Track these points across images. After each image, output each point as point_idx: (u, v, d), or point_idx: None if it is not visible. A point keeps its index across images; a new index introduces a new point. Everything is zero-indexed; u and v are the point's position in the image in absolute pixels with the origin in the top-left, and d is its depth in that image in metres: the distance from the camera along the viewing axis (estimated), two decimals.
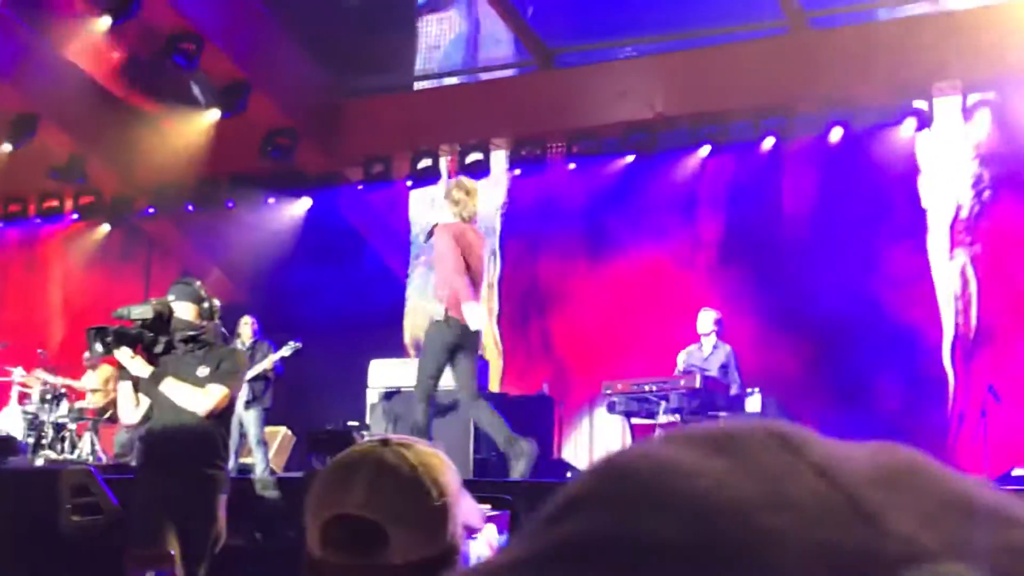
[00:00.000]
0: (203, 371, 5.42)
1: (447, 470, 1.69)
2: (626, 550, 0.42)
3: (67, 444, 12.93)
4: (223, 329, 5.90)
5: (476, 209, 7.95)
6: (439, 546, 1.62)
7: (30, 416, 13.01)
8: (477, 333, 7.83)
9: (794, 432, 0.46)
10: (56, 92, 13.46)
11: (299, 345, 11.01)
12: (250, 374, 10.04)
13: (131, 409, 5.57)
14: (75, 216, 15.45)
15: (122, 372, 5.49)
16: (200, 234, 14.76)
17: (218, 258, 14.57)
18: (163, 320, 5.47)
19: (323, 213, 13.98)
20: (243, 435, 11.13)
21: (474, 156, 12.79)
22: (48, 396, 13.02)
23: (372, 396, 11.64)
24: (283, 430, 12.32)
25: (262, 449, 11.09)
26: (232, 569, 5.66)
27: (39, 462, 12.02)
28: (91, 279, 15.73)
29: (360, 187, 13.46)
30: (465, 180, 8.23)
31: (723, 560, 0.41)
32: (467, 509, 1.69)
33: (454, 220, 7.79)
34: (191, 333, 5.50)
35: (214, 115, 12.97)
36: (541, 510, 0.46)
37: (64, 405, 13.07)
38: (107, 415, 13.36)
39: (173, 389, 5.36)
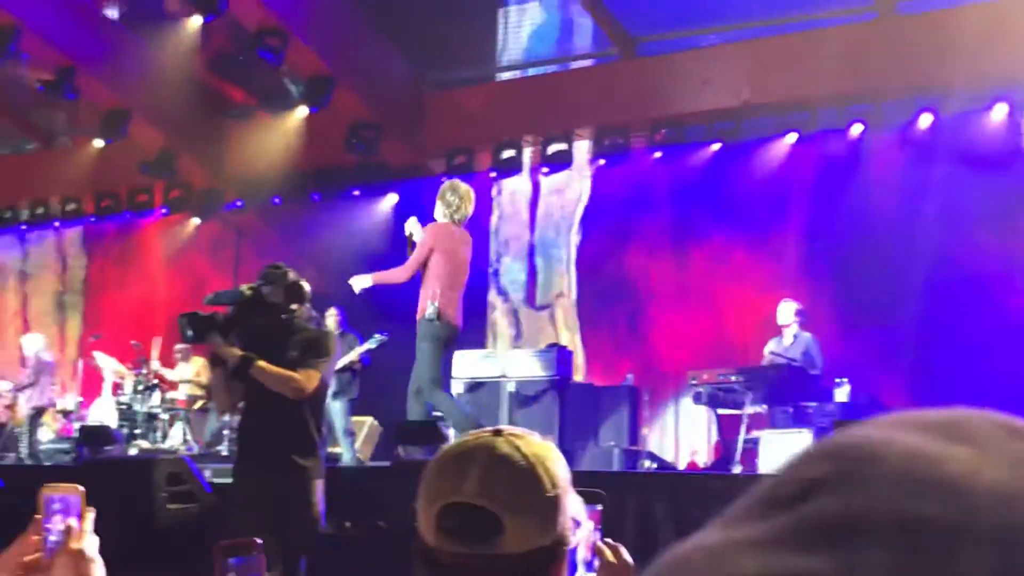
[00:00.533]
0: (294, 355, 5.36)
1: (558, 461, 1.70)
2: (891, 528, 0.44)
3: (159, 434, 13.18)
4: (314, 312, 5.81)
5: (468, 212, 8.25)
6: (551, 537, 1.62)
7: (123, 406, 13.28)
8: (458, 331, 8.35)
9: (1015, 421, 0.47)
10: (147, 88, 13.70)
11: (385, 338, 11.09)
12: (336, 366, 10.13)
13: (225, 396, 5.57)
14: (164, 210, 15.71)
15: (214, 359, 5.46)
16: (287, 227, 14.92)
17: (304, 251, 14.67)
18: (254, 305, 5.42)
19: (407, 205, 14.05)
20: (329, 425, 11.25)
21: (557, 146, 12.79)
22: (140, 387, 13.27)
23: (456, 386, 11.71)
24: (369, 420, 12.42)
25: (348, 439, 11.22)
26: (323, 557, 5.72)
27: (132, 452, 12.27)
28: (180, 272, 16.00)
29: (444, 179, 13.49)
30: (460, 184, 8.49)
31: (992, 541, 0.43)
32: (572, 501, 1.70)
33: (444, 220, 8.14)
34: (282, 317, 5.45)
35: (301, 110, 13.09)
36: (752, 494, 0.47)
37: (156, 395, 13.32)
38: (198, 405, 13.60)
39: (264, 375, 5.29)
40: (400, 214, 14.05)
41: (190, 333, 5.36)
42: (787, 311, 10.11)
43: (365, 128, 13.15)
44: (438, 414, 8.45)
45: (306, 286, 5.63)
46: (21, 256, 17.55)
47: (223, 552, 2.25)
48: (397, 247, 13.55)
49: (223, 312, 5.43)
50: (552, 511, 1.63)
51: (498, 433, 1.67)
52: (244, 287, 5.53)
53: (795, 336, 10.08)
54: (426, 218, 13.58)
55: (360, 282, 8.59)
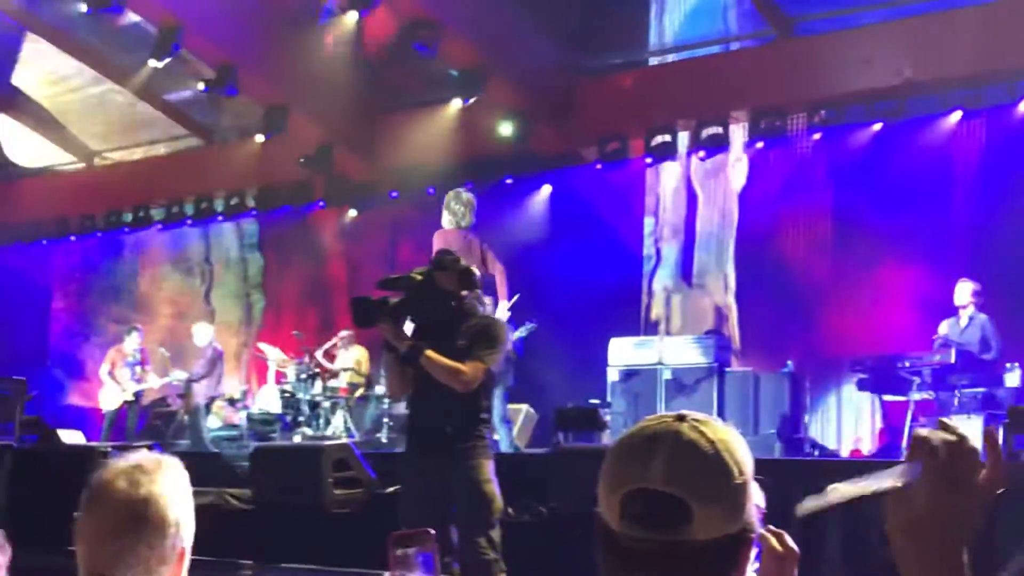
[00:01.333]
0: (462, 344, 5.33)
1: (743, 447, 1.66)
2: None
3: (321, 421, 13.47)
4: (486, 298, 5.74)
5: (472, 219, 9.18)
6: (738, 524, 1.59)
7: (287, 395, 13.61)
8: None
9: None
10: (305, 83, 13.99)
11: (535, 326, 11.10)
12: None
13: (396, 380, 5.52)
14: (322, 203, 16.03)
15: (386, 344, 5.41)
16: (438, 215, 15.05)
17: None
18: (425, 290, 5.38)
19: (560, 193, 14.08)
20: None
21: (712, 130, 12.63)
22: (303, 375, 13.58)
23: (612, 374, 11.69)
24: (525, 408, 12.48)
25: (506, 427, 11.27)
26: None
27: (296, 439, 12.58)
28: (338, 263, 16.33)
29: (598, 166, 13.48)
30: (463, 192, 9.51)
31: None
32: (755, 489, 1.67)
33: (451, 227, 9.15)
34: (452, 304, 5.41)
35: (455, 101, 13.19)
36: None
37: (318, 384, 13.62)
38: (358, 393, 13.86)
39: (432, 365, 5.27)
40: (554, 202, 14.09)
41: (362, 318, 5.35)
42: (964, 291, 9.79)
43: (517, 117, 13.20)
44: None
45: (477, 272, 5.56)
46: (187, 250, 18.13)
47: (397, 542, 2.28)
48: (550, 236, 13.65)
49: (395, 297, 5.40)
50: (740, 498, 1.60)
51: (681, 418, 1.64)
52: (415, 272, 5.46)
53: (971, 318, 9.76)
54: (578, 205, 13.65)
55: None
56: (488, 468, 5.34)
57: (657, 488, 1.54)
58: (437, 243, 8.86)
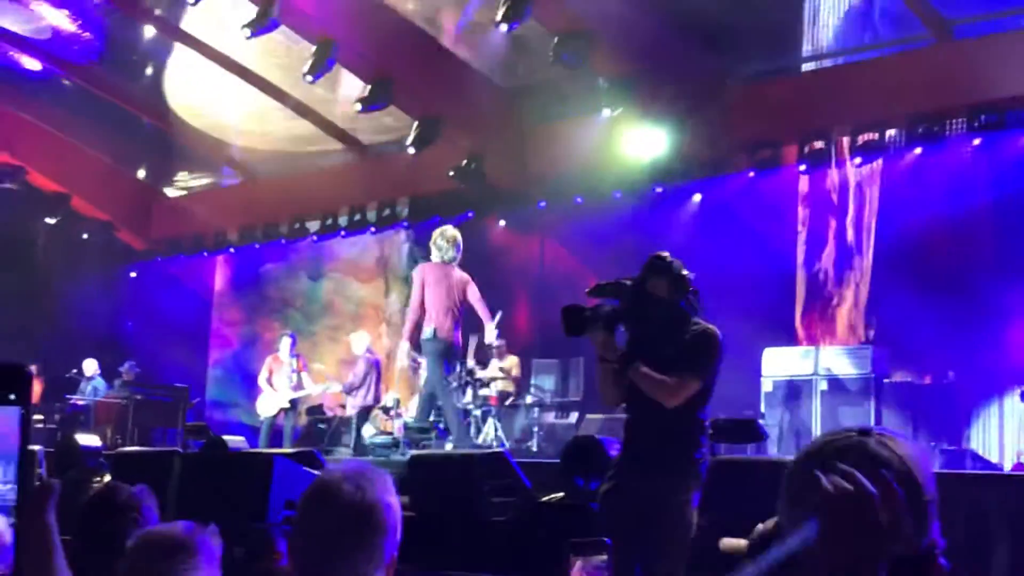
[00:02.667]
0: (674, 355, 5.08)
1: (929, 463, 1.65)
2: None
3: (472, 429, 13.59)
4: (701, 306, 5.42)
5: (456, 254, 10.31)
6: (927, 540, 1.58)
7: (438, 404, 13.76)
8: (454, 348, 10.42)
9: None
10: (456, 95, 14.17)
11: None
12: None
13: (609, 390, 5.29)
14: (471, 213, 16.19)
15: (599, 355, 5.22)
16: (589, 226, 15.08)
17: (607, 250, 14.81)
18: (638, 298, 5.17)
19: (710, 201, 13.97)
20: None
21: (868, 136, 12.38)
22: (454, 384, 13.72)
23: (766, 385, 11.55)
24: None
25: None
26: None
27: (448, 447, 12.72)
28: (487, 273, 16.46)
29: (751, 174, 13.33)
30: (448, 229, 10.56)
31: None
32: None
33: (436, 261, 10.21)
34: (667, 312, 5.18)
35: (605, 111, 13.21)
36: None
37: (469, 392, 13.75)
38: (508, 401, 13.96)
39: (640, 377, 5.08)
40: (705, 211, 13.97)
41: (572, 327, 5.18)
42: None
43: (666, 124, 13.14)
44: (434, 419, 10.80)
45: (689, 277, 5.30)
46: (342, 261, 18.51)
47: (575, 549, 2.30)
48: (701, 246, 13.53)
49: (608, 305, 5.21)
50: (928, 514, 1.59)
51: (866, 433, 1.63)
52: (626, 279, 5.26)
53: None
54: (729, 214, 13.50)
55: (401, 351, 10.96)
56: (692, 497, 5.06)
57: None
58: (421, 275, 10.22)
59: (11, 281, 18.63)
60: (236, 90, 16.19)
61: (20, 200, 18.86)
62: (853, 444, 1.61)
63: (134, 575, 2.81)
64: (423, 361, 10.85)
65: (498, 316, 11.19)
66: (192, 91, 16.98)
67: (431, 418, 11.22)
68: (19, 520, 0.86)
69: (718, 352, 5.23)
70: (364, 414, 13.91)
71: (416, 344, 10.49)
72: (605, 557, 2.25)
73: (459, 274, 10.35)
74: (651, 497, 5.03)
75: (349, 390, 14.08)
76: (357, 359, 14.39)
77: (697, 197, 14.06)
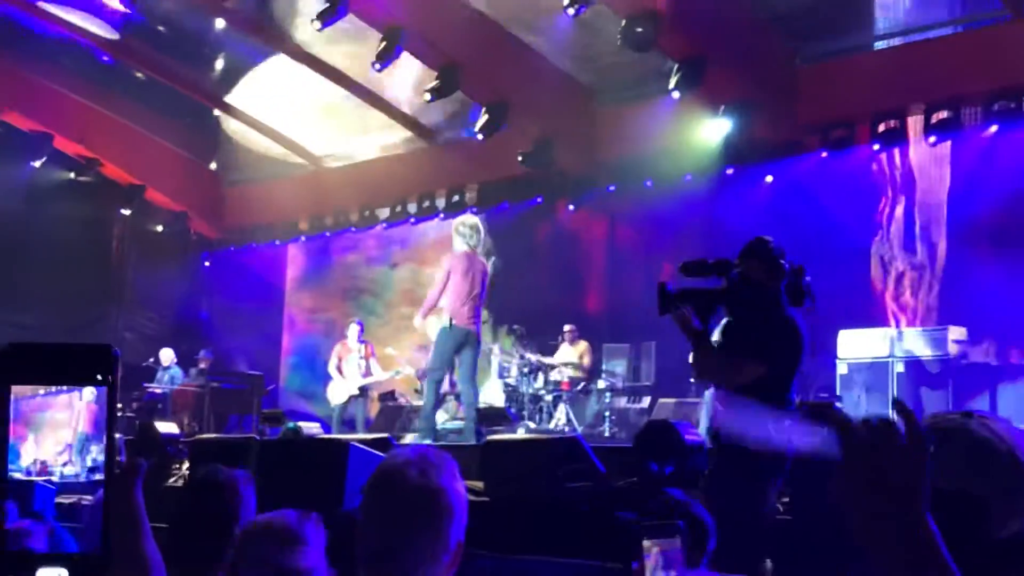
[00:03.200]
0: (751, 337, 5.14)
1: None
2: None
3: (543, 414, 13.62)
4: (803, 289, 5.37)
5: (479, 240, 10.37)
6: None
7: (510, 388, 13.81)
8: (474, 334, 10.28)
9: None
10: (523, 81, 14.15)
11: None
12: None
13: (699, 366, 5.37)
14: (539, 199, 16.18)
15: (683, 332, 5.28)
16: (658, 210, 15.01)
17: (675, 232, 14.76)
18: (732, 279, 5.20)
19: (782, 182, 13.82)
20: None
21: (942, 114, 12.17)
22: (525, 369, 13.76)
23: (841, 367, 11.42)
24: None
25: None
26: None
27: (520, 431, 12.75)
28: (557, 258, 16.45)
29: (823, 154, 13.17)
30: (469, 217, 10.69)
31: None
32: None
33: (463, 249, 10.23)
34: (757, 295, 5.21)
35: (673, 93, 13.10)
36: None
37: (540, 378, 13.77)
38: (580, 387, 13.95)
39: (702, 357, 5.17)
40: (776, 193, 13.82)
41: (661, 304, 5.23)
42: None
43: (740, 106, 13.02)
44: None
45: (783, 263, 5.29)
46: (415, 247, 18.59)
47: (648, 532, 2.28)
48: (773, 228, 13.39)
49: (703, 285, 5.24)
50: None
51: (968, 416, 1.60)
52: (720, 259, 5.29)
53: None
54: (801, 195, 13.34)
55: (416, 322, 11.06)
56: (740, 485, 5.11)
57: (955, 488, 1.50)
58: (449, 264, 10.26)
59: (88, 272, 18.97)
60: (305, 79, 16.31)
61: (95, 192, 19.18)
62: (956, 426, 1.58)
63: (244, 562, 2.84)
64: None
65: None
66: (262, 82, 17.13)
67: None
68: (106, 498, 0.86)
69: (790, 341, 5.24)
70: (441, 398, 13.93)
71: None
72: (678, 540, 2.23)
73: (481, 261, 10.49)
74: (711, 477, 5.23)
75: (423, 376, 14.14)
76: (431, 344, 14.43)
77: (769, 178, 13.91)
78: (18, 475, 0.88)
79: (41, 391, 0.87)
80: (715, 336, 5.39)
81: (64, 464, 0.89)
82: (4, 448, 0.82)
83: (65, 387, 0.87)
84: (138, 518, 0.88)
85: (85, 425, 0.86)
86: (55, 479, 0.90)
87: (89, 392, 0.88)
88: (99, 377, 0.86)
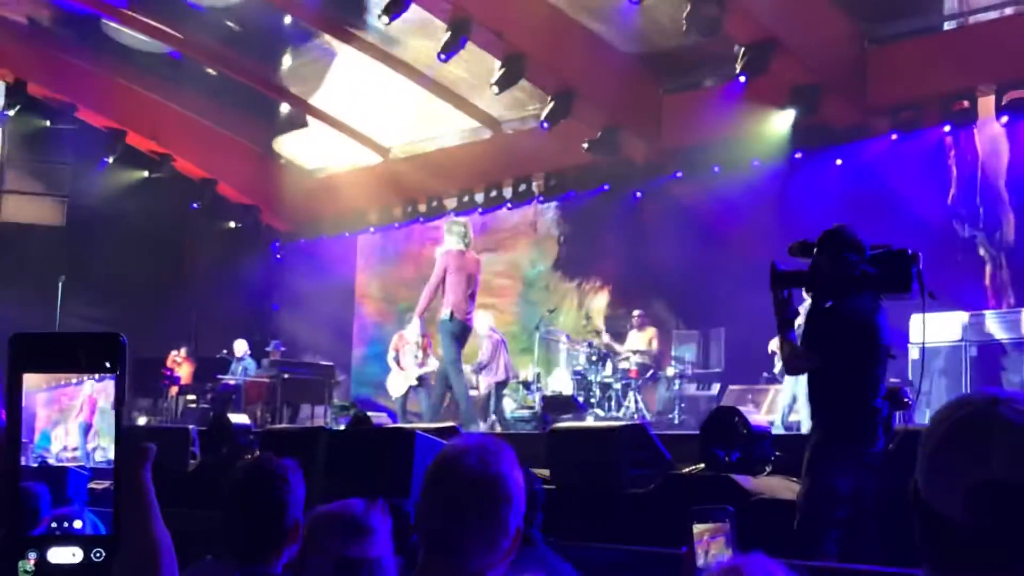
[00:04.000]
0: (808, 327, 5.27)
1: None
2: None
3: (612, 402, 13.60)
4: (908, 277, 5.37)
5: (471, 238, 10.93)
6: None
7: (578, 376, 13.80)
8: (469, 328, 10.89)
9: None
10: (589, 69, 14.12)
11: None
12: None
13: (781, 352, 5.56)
14: (607, 186, 16.13)
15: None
16: (725, 196, 14.90)
17: (745, 218, 14.64)
18: (815, 267, 5.31)
19: (851, 166, 13.65)
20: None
21: (1014, 94, 11.94)
22: (594, 357, 13.75)
23: (913, 352, 11.25)
24: None
25: (808, 409, 11.03)
26: (783, 520, 5.66)
27: (589, 420, 12.75)
28: (623, 246, 16.39)
29: (893, 136, 12.99)
30: (459, 219, 11.23)
31: None
32: None
33: (457, 246, 10.71)
34: (827, 285, 5.31)
35: (741, 78, 12.98)
36: None
37: (609, 365, 13.75)
38: (648, 374, 13.91)
39: (781, 343, 5.36)
40: (845, 176, 13.65)
41: (772, 283, 5.36)
42: None
43: (807, 90, 12.89)
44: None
45: (848, 255, 5.33)
46: (482, 237, 18.63)
47: (697, 516, 2.29)
48: (843, 212, 13.23)
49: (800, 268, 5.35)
50: None
51: (995, 401, 1.56)
52: (805, 241, 5.39)
53: None
54: (872, 178, 13.16)
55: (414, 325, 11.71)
56: (829, 476, 5.25)
57: (1002, 478, 1.46)
58: (444, 261, 10.69)
59: (162, 267, 19.27)
60: (373, 71, 16.42)
61: (168, 187, 19.47)
62: (993, 414, 1.53)
63: (312, 551, 2.89)
64: (438, 338, 11.35)
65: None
66: (331, 75, 17.28)
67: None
68: (116, 482, 0.89)
69: (850, 336, 5.26)
70: (500, 389, 13.97)
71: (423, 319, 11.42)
72: (728, 524, 2.23)
73: (473, 258, 11.01)
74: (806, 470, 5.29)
75: (479, 369, 14.17)
76: (482, 339, 14.42)
77: (838, 162, 13.74)
78: (51, 461, 0.91)
79: (74, 379, 0.90)
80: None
81: (94, 450, 0.92)
82: (18, 434, 0.85)
83: (86, 376, 0.89)
84: (147, 502, 0.91)
85: (87, 414, 0.90)
86: (86, 464, 0.93)
87: (90, 381, 0.91)
88: (108, 365, 0.89)
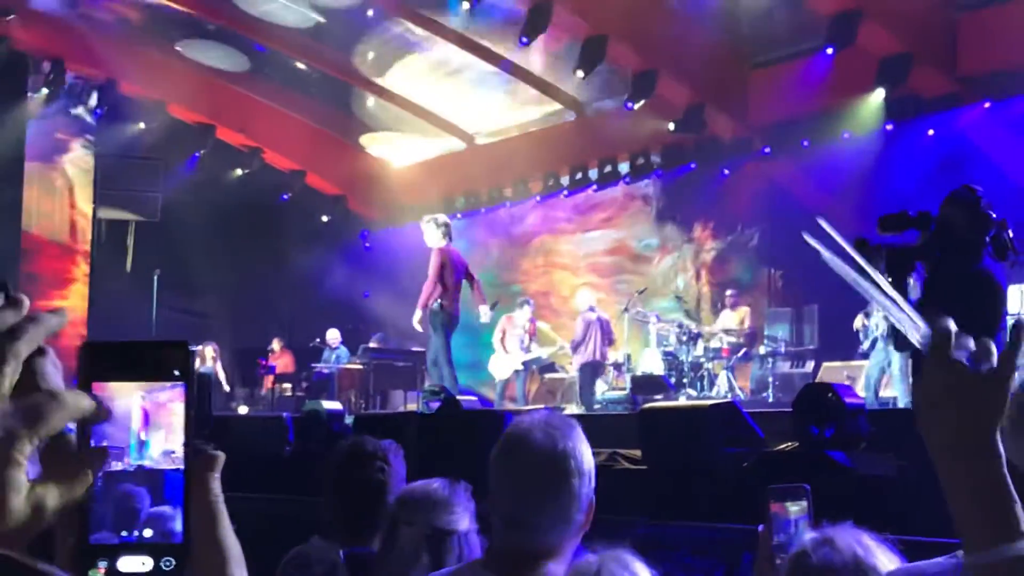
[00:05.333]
0: (946, 292, 4.99)
1: None
2: None
3: (704, 382, 13.51)
4: (1007, 242, 5.12)
5: (451, 237, 11.31)
6: None
7: (669, 357, 13.73)
8: (457, 317, 11.39)
9: None
10: (673, 47, 14.00)
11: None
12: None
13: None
14: (693, 164, 16.01)
15: None
16: (817, 170, 14.68)
17: (835, 190, 14.41)
18: (934, 234, 5.00)
19: (944, 136, 13.37)
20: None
21: None
22: (684, 337, 13.66)
23: (1011, 323, 11.02)
24: None
25: (904, 384, 10.86)
26: (878, 496, 5.58)
27: (681, 400, 12.67)
28: (712, 224, 16.26)
29: (986, 105, 12.69)
30: (439, 216, 11.58)
31: None
32: None
33: (444, 242, 11.15)
34: (957, 251, 5.03)
35: (828, 50, 12.77)
36: None
37: (700, 345, 13.65)
38: (741, 353, 13.79)
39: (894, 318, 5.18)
40: (935, 147, 13.37)
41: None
42: None
43: (895, 60, 12.64)
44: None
45: (989, 214, 5.02)
46: (570, 219, 18.61)
47: (773, 495, 2.26)
48: (937, 183, 12.96)
49: (900, 241, 5.03)
50: None
51: None
52: (922, 212, 5.10)
53: None
54: (965, 148, 12.87)
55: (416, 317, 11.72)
56: None
57: None
58: (440, 256, 11.07)
59: (253, 258, 19.53)
60: (456, 57, 16.46)
61: (258, 180, 19.74)
62: None
63: (403, 522, 2.92)
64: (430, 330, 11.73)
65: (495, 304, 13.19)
66: (414, 63, 17.34)
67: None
68: (186, 490, 0.90)
69: (993, 297, 5.09)
70: (589, 370, 13.89)
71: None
72: (805, 504, 2.20)
73: (456, 251, 11.54)
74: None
75: (575, 348, 14.16)
76: (578, 317, 14.43)
77: (931, 132, 13.46)
78: (148, 464, 0.93)
79: (168, 385, 0.92)
80: (915, 293, 5.18)
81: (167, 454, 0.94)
82: (84, 431, 0.87)
83: (159, 383, 0.91)
84: (216, 510, 0.91)
85: (141, 421, 0.91)
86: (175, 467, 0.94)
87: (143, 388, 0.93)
88: (176, 373, 0.90)
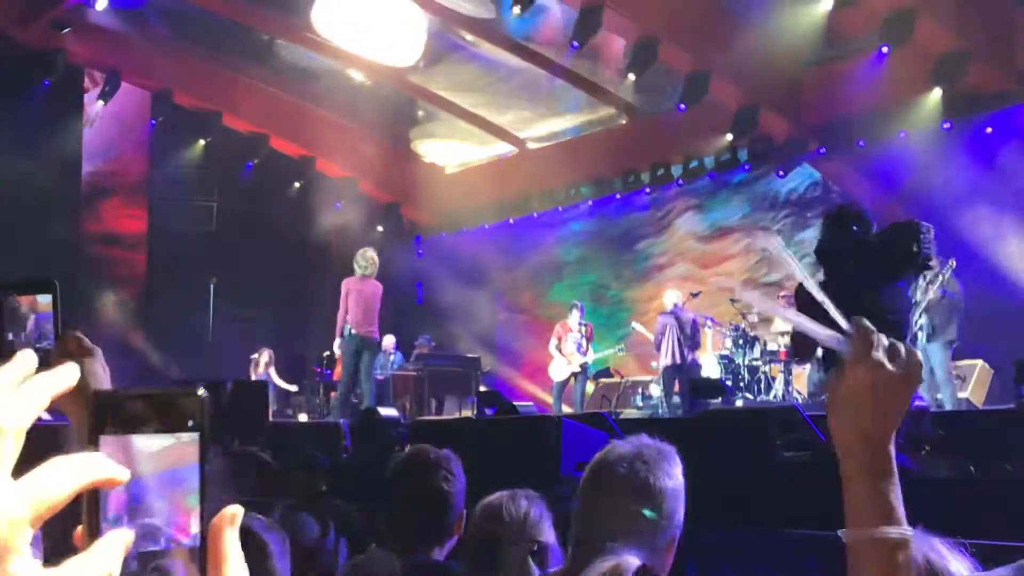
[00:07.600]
0: None
1: None
2: None
3: (762, 385, 13.38)
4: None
5: (374, 270, 12.29)
6: None
7: (725, 360, 13.62)
8: (372, 340, 12.26)
9: None
10: (726, 48, 13.91)
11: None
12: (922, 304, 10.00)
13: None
14: (747, 166, 15.90)
15: None
16: (873, 168, 14.53)
17: (893, 190, 14.26)
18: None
19: (1002, 134, 13.17)
20: (931, 370, 10.89)
21: None
22: (741, 340, 13.54)
23: None
24: (979, 363, 11.82)
25: (950, 385, 10.67)
26: (944, 499, 5.49)
27: (738, 403, 12.57)
28: (766, 223, 16.12)
29: None
30: (368, 251, 12.55)
31: None
32: None
33: (358, 274, 12.16)
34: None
35: (883, 49, 12.62)
36: None
37: (757, 348, 13.53)
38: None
39: None
40: (993, 144, 13.18)
41: None
42: None
43: (952, 59, 12.46)
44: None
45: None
46: (618, 222, 18.54)
47: None
48: (996, 181, 12.77)
49: None
50: None
51: None
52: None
53: None
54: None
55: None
56: None
57: None
58: (345, 287, 12.09)
59: (306, 266, 19.64)
60: (506, 62, 16.46)
61: (310, 187, 19.84)
62: None
63: (479, 538, 2.92)
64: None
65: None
66: (464, 68, 17.37)
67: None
68: (202, 545, 0.83)
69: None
70: (670, 373, 13.53)
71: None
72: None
73: (373, 283, 12.31)
74: None
75: (656, 348, 13.99)
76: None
77: (988, 130, 13.26)
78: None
79: (184, 437, 0.85)
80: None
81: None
82: (96, 498, 0.80)
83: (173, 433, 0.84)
84: (232, 565, 0.85)
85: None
86: None
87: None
88: (190, 424, 0.84)
